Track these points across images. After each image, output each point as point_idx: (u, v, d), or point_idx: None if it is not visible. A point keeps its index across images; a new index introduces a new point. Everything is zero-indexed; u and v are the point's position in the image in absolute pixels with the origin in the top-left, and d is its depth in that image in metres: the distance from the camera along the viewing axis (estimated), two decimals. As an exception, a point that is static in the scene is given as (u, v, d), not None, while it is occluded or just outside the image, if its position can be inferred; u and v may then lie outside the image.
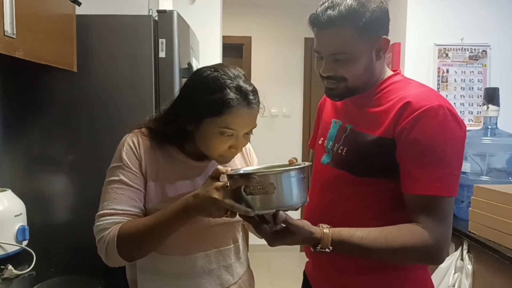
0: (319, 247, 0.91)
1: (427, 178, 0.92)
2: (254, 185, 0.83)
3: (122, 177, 0.97)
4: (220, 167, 0.90)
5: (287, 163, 0.97)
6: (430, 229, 0.91)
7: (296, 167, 0.88)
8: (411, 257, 0.96)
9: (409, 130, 0.92)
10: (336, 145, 1.08)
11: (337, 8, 0.93)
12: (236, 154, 1.03)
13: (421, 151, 0.91)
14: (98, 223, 0.96)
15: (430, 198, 0.92)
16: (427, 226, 0.92)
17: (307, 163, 0.92)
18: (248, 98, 0.94)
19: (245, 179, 0.84)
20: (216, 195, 0.85)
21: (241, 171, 0.97)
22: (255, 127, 0.99)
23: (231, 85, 0.93)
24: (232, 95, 0.92)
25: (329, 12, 0.94)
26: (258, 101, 0.98)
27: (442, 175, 0.91)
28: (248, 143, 1.18)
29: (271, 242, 0.89)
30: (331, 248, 0.90)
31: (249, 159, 1.19)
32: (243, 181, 0.84)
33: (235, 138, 0.96)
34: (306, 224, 0.91)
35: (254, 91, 0.97)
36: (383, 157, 0.97)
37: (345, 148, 1.05)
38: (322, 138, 1.16)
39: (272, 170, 0.89)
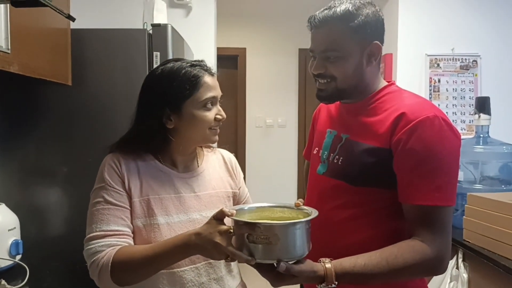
0: (324, 284, 0.89)
1: (426, 188, 0.92)
2: (258, 234, 0.83)
3: (107, 197, 0.98)
4: (225, 209, 0.88)
5: (292, 203, 0.97)
6: (430, 241, 0.91)
7: (303, 220, 0.87)
8: (415, 274, 0.97)
9: (406, 140, 0.93)
10: (332, 154, 1.08)
11: (333, 9, 1.00)
12: (220, 122, 1.05)
13: (418, 161, 0.92)
14: (88, 247, 0.95)
15: (429, 208, 0.92)
16: (426, 238, 0.92)
17: (314, 214, 0.89)
18: (205, 67, 1.05)
19: (250, 227, 0.84)
20: (219, 239, 0.85)
21: (245, 208, 0.98)
22: (221, 94, 1.07)
23: (187, 65, 1.03)
24: (194, 70, 1.02)
25: (326, 12, 1.00)
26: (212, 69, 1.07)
27: (441, 184, 0.92)
28: (233, 157, 1.22)
29: (274, 284, 0.88)
30: (336, 283, 0.89)
31: (235, 174, 1.18)
32: (247, 229, 0.84)
33: (216, 106, 1.05)
34: (308, 265, 0.89)
35: (204, 61, 1.08)
36: (380, 167, 0.98)
37: (341, 158, 1.05)
38: (317, 148, 1.17)
39: (278, 222, 0.87)
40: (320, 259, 0.92)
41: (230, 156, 1.21)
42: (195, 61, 1.07)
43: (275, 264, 0.85)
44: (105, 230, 0.95)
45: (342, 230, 1.03)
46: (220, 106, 1.07)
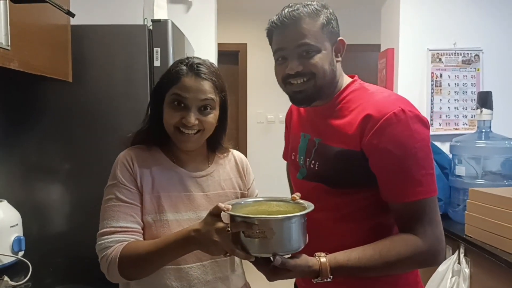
0: (319, 279, 0.90)
1: (407, 185, 0.93)
2: (253, 228, 0.83)
3: (118, 195, 1.00)
4: (221, 204, 0.88)
5: (289, 197, 0.97)
6: (421, 234, 0.92)
7: (298, 214, 0.87)
8: (409, 266, 0.97)
9: (377, 141, 0.93)
10: (308, 159, 1.09)
11: (299, 7, 1.00)
12: (189, 128, 1.01)
13: (394, 160, 0.93)
14: (99, 242, 0.98)
15: (415, 203, 0.93)
16: (418, 231, 0.93)
17: (309, 208, 0.90)
18: (195, 68, 1.02)
19: (245, 222, 0.84)
20: (216, 237, 0.87)
21: (242, 202, 0.98)
22: (208, 100, 1.01)
23: (182, 61, 1.05)
24: (180, 67, 1.03)
25: (291, 11, 1.00)
26: (210, 74, 1.03)
27: (420, 178, 0.93)
28: (245, 159, 1.21)
29: (270, 278, 0.89)
30: (331, 277, 0.90)
31: (245, 176, 1.19)
32: (243, 224, 0.85)
33: (186, 109, 1.00)
34: (304, 259, 0.90)
35: (204, 65, 1.04)
36: (354, 169, 0.98)
37: (317, 163, 1.06)
38: (293, 153, 1.17)
39: (273, 216, 0.87)
40: (316, 253, 0.92)
41: (242, 157, 1.22)
42: (199, 59, 1.06)
43: (271, 258, 0.86)
44: (114, 227, 0.98)
45: (328, 232, 1.04)
46: (205, 113, 1.02)
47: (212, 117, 1.04)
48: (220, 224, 0.88)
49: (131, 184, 1.02)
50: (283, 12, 1.01)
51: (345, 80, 1.08)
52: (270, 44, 1.10)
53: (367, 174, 0.97)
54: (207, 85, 1.02)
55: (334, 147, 1.01)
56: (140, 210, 1.01)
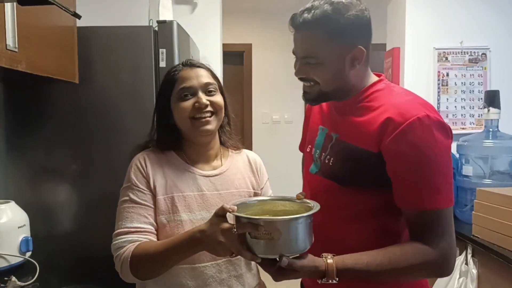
0: (325, 280, 0.89)
1: (423, 193, 0.91)
2: (259, 230, 0.83)
3: (132, 196, 1.04)
4: (226, 205, 0.89)
5: (293, 195, 0.97)
6: (433, 243, 0.90)
7: (305, 214, 0.86)
8: (418, 275, 0.96)
9: (397, 145, 0.91)
10: (323, 154, 1.07)
11: (312, 11, 0.95)
12: (204, 110, 1.05)
13: (412, 167, 0.91)
14: (114, 242, 1.02)
15: (429, 212, 0.91)
16: (430, 240, 0.91)
17: (316, 208, 0.89)
18: (189, 62, 1.11)
19: (251, 223, 0.84)
20: (222, 238, 0.87)
21: (247, 202, 0.98)
22: (211, 84, 1.08)
23: (174, 65, 1.13)
24: (174, 68, 1.11)
25: (305, 15, 0.95)
26: (202, 64, 1.12)
27: (438, 187, 0.91)
28: (259, 158, 1.23)
29: (276, 278, 0.88)
30: (337, 279, 0.89)
31: (258, 175, 1.20)
32: (249, 225, 0.84)
33: (195, 95, 1.06)
34: (310, 260, 0.89)
35: (194, 59, 1.14)
36: (369, 169, 0.97)
37: (332, 158, 1.04)
38: (310, 146, 1.16)
39: (279, 218, 0.87)
40: (323, 254, 0.92)
41: (255, 157, 1.24)
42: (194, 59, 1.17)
43: (277, 258, 0.86)
44: (128, 227, 1.01)
45: (333, 231, 1.03)
46: (211, 95, 1.08)
47: (219, 98, 1.09)
48: (226, 225, 0.88)
49: (144, 186, 1.05)
50: (300, 14, 0.97)
51: (371, 79, 1.05)
52: None
53: (381, 176, 0.95)
54: (203, 71, 1.09)
55: (351, 145, 1.00)
56: (153, 211, 1.04)
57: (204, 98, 1.05)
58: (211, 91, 1.08)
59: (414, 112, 0.91)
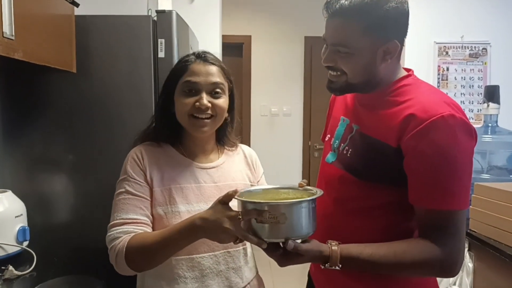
0: (328, 265, 0.90)
1: (439, 193, 0.89)
2: (265, 214, 0.84)
3: (128, 188, 1.03)
4: (231, 191, 0.90)
5: (296, 184, 0.98)
6: (442, 243, 0.89)
7: (310, 198, 0.88)
8: (422, 272, 0.95)
9: (417, 142, 0.88)
10: (342, 144, 1.06)
11: None
12: (204, 111, 1.03)
13: (431, 166, 0.88)
14: (109, 233, 1.00)
15: (443, 212, 0.89)
16: (439, 240, 0.89)
17: (318, 193, 0.91)
18: (202, 55, 1.07)
19: (257, 208, 0.85)
20: (228, 224, 0.87)
21: (251, 190, 0.99)
22: (218, 84, 1.05)
23: (189, 54, 1.09)
24: (189, 56, 1.08)
25: (343, 1, 0.90)
26: (217, 60, 1.08)
27: (455, 189, 0.89)
28: (254, 152, 1.23)
29: (281, 263, 0.89)
30: (340, 265, 0.89)
31: (254, 169, 1.20)
32: (254, 210, 0.86)
33: (198, 94, 1.03)
34: (315, 244, 0.90)
35: (210, 53, 1.09)
36: (386, 164, 0.95)
37: (350, 150, 1.03)
38: (329, 135, 1.15)
39: (284, 201, 0.89)
40: (328, 240, 0.92)
41: (250, 152, 1.24)
42: (205, 50, 1.10)
43: (281, 244, 0.87)
44: (124, 219, 1.00)
45: (348, 220, 1.02)
46: (216, 97, 1.05)
47: (223, 101, 1.07)
48: (232, 213, 0.88)
49: (140, 178, 1.04)
50: (337, 0, 0.91)
51: (399, 74, 1.01)
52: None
53: (398, 172, 0.93)
54: (215, 69, 1.06)
55: (370, 137, 0.98)
56: (149, 204, 1.03)
57: (205, 100, 1.02)
58: (217, 92, 1.05)
59: (439, 110, 0.88)
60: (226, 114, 1.10)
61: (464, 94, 2.45)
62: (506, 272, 1.58)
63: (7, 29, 1.09)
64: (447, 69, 2.45)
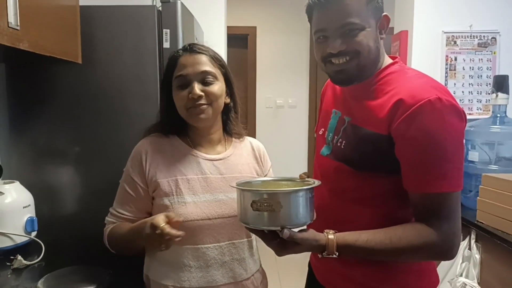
0: (325, 253, 0.91)
1: (431, 176, 0.90)
2: (261, 202, 0.85)
3: (125, 184, 1.10)
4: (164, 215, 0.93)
5: (297, 176, 0.99)
6: (437, 227, 0.90)
7: (305, 187, 0.89)
8: (419, 256, 0.96)
9: (406, 128, 0.90)
10: (336, 137, 1.07)
11: None
12: (198, 101, 1.04)
13: (421, 150, 0.89)
14: (106, 217, 1.13)
15: (436, 195, 0.90)
16: (434, 224, 0.90)
17: (316, 183, 0.92)
18: (190, 47, 1.08)
19: (253, 195, 0.87)
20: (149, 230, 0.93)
21: (252, 181, 1.01)
22: (208, 73, 1.05)
23: (179, 49, 1.11)
24: (177, 51, 1.10)
25: None
26: (205, 49, 1.09)
27: (447, 171, 0.89)
28: (262, 145, 1.24)
29: (278, 253, 0.90)
30: (337, 253, 0.90)
31: (262, 162, 1.21)
32: (251, 197, 0.87)
33: (190, 85, 1.04)
34: (311, 233, 0.91)
35: (198, 43, 1.11)
36: (380, 153, 0.96)
37: (344, 142, 1.04)
38: (322, 129, 1.15)
39: (281, 189, 0.90)
40: (325, 230, 0.93)
41: (258, 144, 1.24)
42: (196, 42, 1.14)
43: (278, 232, 0.87)
44: (115, 209, 1.11)
45: (341, 214, 1.03)
46: (207, 84, 1.05)
47: (217, 88, 1.06)
48: (155, 220, 0.91)
49: (138, 179, 1.08)
50: None
51: (386, 60, 1.04)
52: (310, 21, 1.04)
53: (392, 160, 0.94)
54: (203, 58, 1.07)
55: (362, 128, 0.99)
56: (142, 202, 1.09)
57: (197, 89, 1.03)
58: (208, 80, 1.05)
59: (426, 94, 0.89)
60: (226, 100, 1.11)
61: (472, 85, 2.42)
62: (513, 263, 1.57)
63: (12, 19, 1.09)
64: (455, 59, 2.41)
